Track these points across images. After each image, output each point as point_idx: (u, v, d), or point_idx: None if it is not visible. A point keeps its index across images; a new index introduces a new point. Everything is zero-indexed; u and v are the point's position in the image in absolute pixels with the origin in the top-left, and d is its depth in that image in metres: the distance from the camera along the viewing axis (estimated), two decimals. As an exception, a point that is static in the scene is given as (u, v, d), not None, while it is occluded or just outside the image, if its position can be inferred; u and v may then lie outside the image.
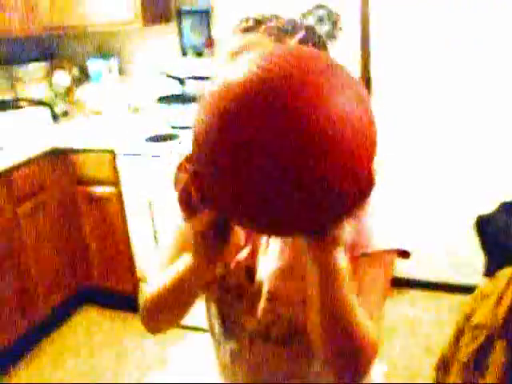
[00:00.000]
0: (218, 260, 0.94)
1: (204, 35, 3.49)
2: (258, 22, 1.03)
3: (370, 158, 0.76)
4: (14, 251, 3.10)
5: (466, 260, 3.36)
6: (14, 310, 3.11)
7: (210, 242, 0.89)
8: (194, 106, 3.20)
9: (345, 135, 0.71)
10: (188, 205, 0.86)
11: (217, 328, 1.22)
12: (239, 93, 0.72)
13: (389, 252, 1.02)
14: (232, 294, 1.15)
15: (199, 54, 3.51)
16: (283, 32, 1.01)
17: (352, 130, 0.72)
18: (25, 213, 3.15)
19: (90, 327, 3.48)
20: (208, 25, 3.48)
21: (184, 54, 3.57)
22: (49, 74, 3.80)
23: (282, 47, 0.83)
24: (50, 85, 3.79)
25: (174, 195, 0.90)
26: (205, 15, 3.47)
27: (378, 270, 1.02)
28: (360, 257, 1.01)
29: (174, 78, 3.31)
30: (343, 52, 3.20)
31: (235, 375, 1.23)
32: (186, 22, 3.53)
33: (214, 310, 1.21)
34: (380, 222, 1.03)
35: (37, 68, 3.76)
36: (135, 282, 3.39)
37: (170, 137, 3.15)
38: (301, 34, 1.02)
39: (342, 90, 0.73)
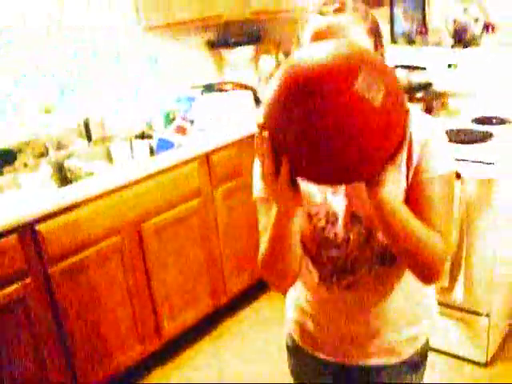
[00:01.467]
0: (293, 204, 1.11)
1: (417, 22, 3.25)
2: (342, 6, 1.21)
3: (398, 126, 0.99)
4: (208, 232, 3.16)
5: None
6: (203, 288, 3.18)
7: (286, 186, 1.05)
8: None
9: (378, 115, 0.95)
10: (271, 160, 1.04)
11: (310, 270, 1.42)
12: (308, 74, 0.95)
13: (448, 174, 1.25)
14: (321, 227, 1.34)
15: (410, 42, 3.28)
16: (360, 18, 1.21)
17: (384, 112, 0.95)
18: (221, 195, 3.20)
19: (272, 315, 3.46)
20: (423, 11, 3.23)
21: (394, 41, 3.36)
22: (255, 58, 3.81)
23: (344, 43, 1.02)
24: (256, 69, 3.80)
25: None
26: (420, 0, 3.22)
27: (442, 189, 1.24)
28: (425, 180, 1.23)
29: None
30: None
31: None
32: (399, 7, 3.31)
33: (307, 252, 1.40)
34: (437, 150, 1.24)
35: (244, 52, 3.79)
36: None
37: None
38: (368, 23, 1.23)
39: (377, 83, 0.95)
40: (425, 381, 1.57)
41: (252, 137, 3.24)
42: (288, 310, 1.61)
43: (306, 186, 1.25)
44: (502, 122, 2.90)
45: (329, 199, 1.32)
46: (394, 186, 1.07)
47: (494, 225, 2.62)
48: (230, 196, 3.24)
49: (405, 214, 1.14)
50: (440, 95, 3.17)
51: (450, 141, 2.70)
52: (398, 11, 3.31)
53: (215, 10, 3.47)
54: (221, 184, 3.19)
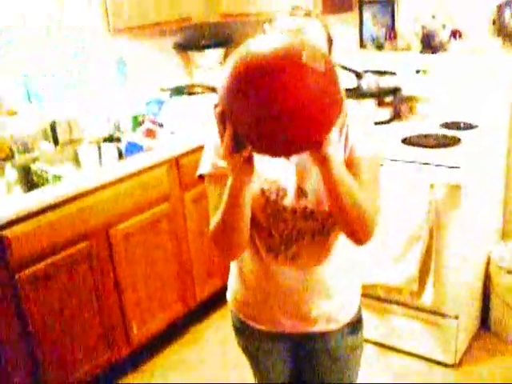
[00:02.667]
0: (246, 174, 1.24)
1: (386, 27, 3.28)
2: (308, 12, 1.48)
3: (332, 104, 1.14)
4: (177, 236, 3.13)
5: None
6: (173, 293, 3.15)
7: (236, 156, 1.19)
8: (370, 102, 3.02)
9: (313, 94, 1.09)
10: (221, 129, 1.18)
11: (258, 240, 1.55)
12: (256, 62, 1.09)
13: (371, 156, 1.46)
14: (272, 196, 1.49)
15: (379, 47, 3.30)
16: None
17: (318, 94, 1.10)
18: (190, 199, 3.18)
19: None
20: (392, 16, 3.25)
21: (363, 46, 3.38)
22: (224, 61, 3.79)
23: (288, 38, 1.17)
24: (225, 72, 3.78)
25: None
26: (389, 5, 3.25)
27: (368, 168, 1.44)
28: (353, 158, 1.43)
29: (350, 70, 3.14)
30: None
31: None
32: (368, 12, 3.33)
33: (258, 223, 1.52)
34: (366, 135, 1.47)
35: (213, 55, 3.78)
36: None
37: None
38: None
39: (314, 71, 1.10)
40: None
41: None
42: (231, 284, 1.73)
43: (260, 165, 1.36)
44: (469, 126, 2.94)
45: (280, 176, 1.47)
46: (334, 147, 1.23)
47: (461, 228, 2.65)
48: (199, 200, 3.21)
49: (345, 172, 1.31)
50: (408, 100, 3.21)
51: (419, 145, 2.74)
52: (367, 16, 3.33)
53: (184, 12, 3.44)
54: (190, 188, 3.16)
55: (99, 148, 3.09)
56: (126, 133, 3.28)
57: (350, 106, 1.43)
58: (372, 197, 1.44)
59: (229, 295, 1.75)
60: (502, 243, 3.14)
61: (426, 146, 2.72)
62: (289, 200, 1.48)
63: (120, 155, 3.05)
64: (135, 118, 3.37)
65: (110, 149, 3.06)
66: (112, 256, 2.79)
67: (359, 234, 1.42)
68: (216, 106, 1.18)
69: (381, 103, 3.04)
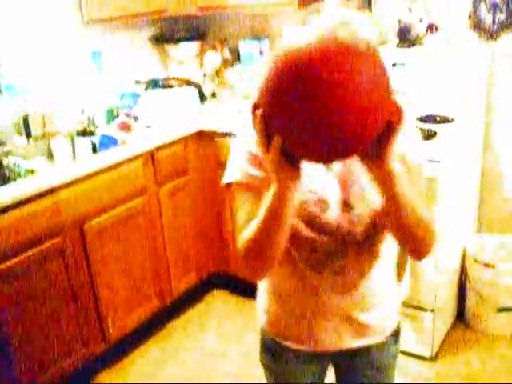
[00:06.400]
0: (292, 179, 1.12)
1: (363, 20, 3.27)
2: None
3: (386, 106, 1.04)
4: (153, 231, 3.10)
5: None
6: (149, 288, 3.12)
7: (283, 163, 1.08)
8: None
9: (367, 95, 1.00)
10: (264, 136, 1.08)
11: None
12: (305, 55, 0.99)
13: (418, 165, 1.36)
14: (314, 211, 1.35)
15: (356, 40, 3.29)
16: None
17: (372, 94, 1.00)
18: (166, 193, 3.14)
19: (218, 312, 3.43)
20: (369, 10, 3.25)
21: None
22: (200, 54, 3.76)
23: (334, 36, 1.02)
24: (201, 65, 3.75)
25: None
26: (365, 0, 3.24)
27: (418, 180, 1.34)
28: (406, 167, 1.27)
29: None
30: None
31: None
32: (345, 7, 3.31)
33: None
34: (412, 144, 1.36)
35: (188, 48, 3.73)
36: (269, 274, 3.27)
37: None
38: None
39: (367, 69, 1.01)
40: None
41: (197, 134, 3.22)
42: (261, 302, 1.59)
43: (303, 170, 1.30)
44: (445, 120, 2.94)
45: (322, 187, 1.34)
46: (396, 158, 1.11)
47: (437, 222, 2.65)
48: (175, 194, 3.18)
49: (408, 188, 1.17)
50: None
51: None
52: (344, 9, 3.32)
53: (160, 4, 3.40)
54: (166, 182, 3.13)
55: (73, 142, 3.04)
56: (100, 126, 3.22)
57: None
58: (427, 207, 1.32)
59: (260, 314, 1.60)
60: (478, 237, 3.16)
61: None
62: (332, 213, 1.35)
63: (94, 149, 3.00)
64: (110, 111, 3.32)
65: (83, 142, 3.00)
66: (86, 251, 2.75)
67: (422, 248, 1.32)
68: (256, 106, 1.06)
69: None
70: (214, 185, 3.31)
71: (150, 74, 3.72)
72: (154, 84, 3.58)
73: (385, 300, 1.52)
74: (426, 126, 2.88)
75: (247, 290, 3.48)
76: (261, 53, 3.58)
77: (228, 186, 1.38)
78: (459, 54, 2.97)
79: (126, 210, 2.91)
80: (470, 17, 3.01)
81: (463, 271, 3.09)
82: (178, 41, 3.74)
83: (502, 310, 2.99)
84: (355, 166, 1.28)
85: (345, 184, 1.34)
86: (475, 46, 2.99)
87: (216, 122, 3.25)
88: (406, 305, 2.82)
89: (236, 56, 3.74)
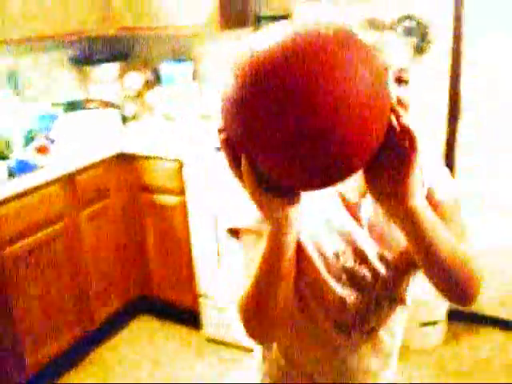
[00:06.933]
0: (284, 210, 0.93)
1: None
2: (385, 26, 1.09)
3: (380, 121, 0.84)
4: (73, 256, 3.02)
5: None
6: (70, 315, 3.02)
7: (266, 192, 0.90)
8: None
9: (359, 104, 0.79)
10: (232, 163, 0.89)
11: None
12: (269, 59, 0.79)
13: (454, 199, 1.18)
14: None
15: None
16: None
17: (364, 101, 0.79)
18: (87, 217, 3.07)
19: (144, 339, 3.36)
20: (287, 32, 3.30)
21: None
22: (121, 75, 3.71)
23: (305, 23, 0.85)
24: (122, 86, 3.71)
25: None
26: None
27: (454, 216, 1.16)
28: (438, 201, 1.14)
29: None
30: (431, 67, 2.97)
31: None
32: (264, 27, 3.35)
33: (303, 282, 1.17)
34: (443, 176, 1.22)
35: (109, 69, 3.68)
36: (195, 297, 3.25)
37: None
38: None
39: (356, 63, 0.80)
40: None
41: (118, 156, 3.16)
42: (259, 363, 1.38)
43: (331, 222, 1.13)
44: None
45: (355, 235, 1.16)
46: (419, 191, 0.94)
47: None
48: (96, 218, 3.11)
49: (437, 221, 1.00)
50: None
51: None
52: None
53: (78, 25, 3.33)
54: (86, 206, 3.05)
55: (-13, 166, 2.92)
56: (16, 150, 3.12)
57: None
58: (469, 244, 1.16)
59: (259, 378, 1.39)
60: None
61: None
62: (368, 265, 1.17)
63: (10, 173, 2.89)
64: (27, 134, 3.22)
65: (-2, 167, 2.90)
66: (3, 280, 2.64)
67: (468, 292, 1.11)
68: (220, 130, 0.88)
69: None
70: (137, 207, 3.27)
71: (69, 96, 3.64)
72: (73, 106, 3.50)
73: (394, 356, 1.36)
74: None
75: (173, 314, 3.44)
76: (183, 75, 3.57)
77: (233, 231, 1.17)
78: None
79: (45, 235, 2.82)
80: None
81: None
82: (98, 62, 3.69)
83: (423, 324, 3.08)
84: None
85: (377, 230, 1.17)
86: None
87: (137, 144, 3.21)
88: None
89: (158, 78, 3.72)
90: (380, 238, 1.17)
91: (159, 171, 3.14)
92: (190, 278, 3.24)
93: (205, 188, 2.98)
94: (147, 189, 3.22)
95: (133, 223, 3.34)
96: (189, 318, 3.37)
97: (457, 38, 2.98)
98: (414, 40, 3.03)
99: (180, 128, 3.44)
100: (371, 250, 1.16)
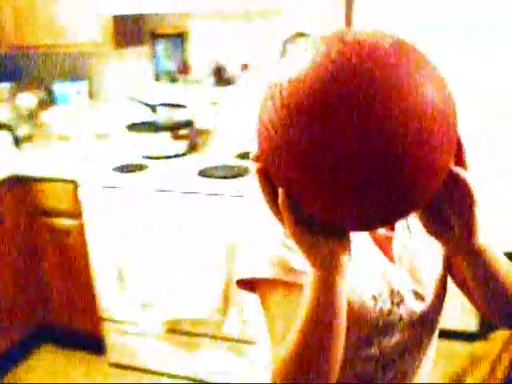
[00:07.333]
0: (335, 257, 0.80)
1: (179, 61, 3.31)
2: None
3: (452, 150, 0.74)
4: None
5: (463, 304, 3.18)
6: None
7: (311, 231, 0.78)
8: (165, 135, 3.01)
9: (431, 130, 0.69)
10: (271, 193, 0.78)
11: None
12: (314, 87, 0.69)
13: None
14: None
15: (173, 80, 3.32)
16: None
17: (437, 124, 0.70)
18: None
19: (48, 369, 3.22)
20: (183, 50, 3.29)
21: (157, 79, 3.38)
22: (13, 95, 3.57)
23: (352, 34, 0.74)
24: (14, 107, 3.57)
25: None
26: (179, 40, 3.28)
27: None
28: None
29: (145, 104, 3.11)
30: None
31: None
32: (160, 46, 3.34)
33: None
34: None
35: (0, 89, 3.54)
36: (97, 321, 3.15)
37: (140, 167, 2.94)
38: None
39: (424, 81, 0.70)
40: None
41: (12, 179, 3.04)
42: None
43: (364, 259, 1.03)
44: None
45: (390, 274, 1.05)
46: (482, 228, 0.86)
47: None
48: (-12, 245, 2.97)
49: (498, 252, 0.93)
50: (203, 132, 3.25)
51: (215, 177, 2.77)
52: (160, 50, 3.34)
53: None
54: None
55: None
56: None
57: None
58: None
59: None
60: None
61: (220, 177, 2.76)
62: (406, 307, 1.07)
63: None
64: None
65: None
66: None
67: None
68: (256, 159, 0.78)
69: (176, 136, 3.04)
70: (33, 232, 3.14)
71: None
72: (-39, 128, 3.34)
73: None
74: (245, 163, 2.96)
75: (75, 341, 3.32)
76: (78, 94, 3.48)
77: (242, 283, 1.03)
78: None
79: None
80: (282, 56, 3.15)
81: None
82: (-12, 82, 3.54)
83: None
84: (412, 240, 1.07)
85: (412, 264, 1.08)
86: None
87: (32, 166, 3.09)
88: (234, 340, 2.84)
89: (52, 97, 3.61)
90: (410, 273, 1.08)
91: (55, 193, 3.03)
92: (92, 302, 3.14)
93: (103, 209, 2.90)
94: (44, 212, 3.11)
95: (30, 248, 3.20)
96: (92, 343, 3.26)
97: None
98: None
99: (76, 148, 3.35)
100: (407, 288, 1.07)
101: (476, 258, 0.88)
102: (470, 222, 0.83)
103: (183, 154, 3.10)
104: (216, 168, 2.89)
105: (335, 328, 0.84)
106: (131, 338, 3.05)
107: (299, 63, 0.73)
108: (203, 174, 2.83)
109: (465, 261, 0.90)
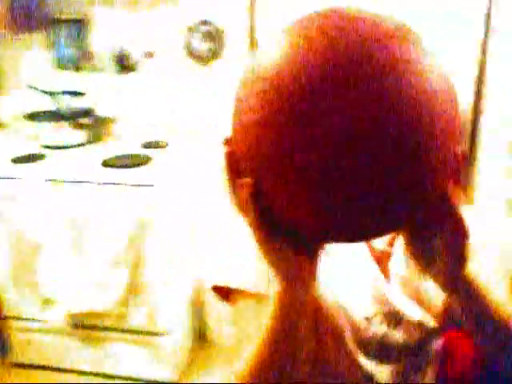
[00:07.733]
0: (304, 264, 0.73)
1: (82, 48, 3.20)
2: None
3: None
4: None
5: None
6: None
7: (276, 237, 0.69)
8: (64, 124, 2.91)
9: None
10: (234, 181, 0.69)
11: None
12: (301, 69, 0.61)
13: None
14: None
15: (75, 68, 3.21)
16: None
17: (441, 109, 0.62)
18: None
19: None
20: (85, 37, 3.19)
21: (59, 66, 3.26)
22: None
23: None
24: None
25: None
26: (81, 26, 3.18)
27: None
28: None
29: (45, 92, 3.00)
30: (227, 71, 3.03)
31: None
32: (62, 33, 3.22)
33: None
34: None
35: None
36: (-1, 319, 3.03)
37: (39, 157, 2.83)
38: None
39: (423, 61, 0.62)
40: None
41: None
42: None
43: (359, 277, 0.94)
44: (160, 146, 2.98)
45: (388, 293, 0.96)
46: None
47: (166, 250, 2.67)
48: None
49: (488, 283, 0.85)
50: (105, 121, 3.17)
51: (119, 167, 2.69)
52: (60, 37, 3.21)
53: None
54: None
55: None
56: None
57: None
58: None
59: None
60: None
61: (122, 167, 2.70)
62: (403, 330, 0.96)
63: None
64: None
65: None
66: None
67: None
68: (226, 142, 0.70)
69: (76, 125, 2.95)
70: None
71: None
72: None
73: None
74: (148, 151, 2.90)
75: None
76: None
77: (220, 289, 0.95)
78: (175, 79, 3.06)
79: None
80: (185, 44, 3.09)
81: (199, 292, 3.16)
82: None
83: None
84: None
85: (409, 291, 0.99)
86: (190, 72, 3.09)
87: None
88: (142, 332, 2.80)
89: None
90: (414, 297, 0.99)
91: None
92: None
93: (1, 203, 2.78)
94: None
95: None
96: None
97: (252, 41, 3.06)
98: (212, 45, 3.08)
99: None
100: (405, 309, 0.97)
101: (465, 289, 0.80)
102: (461, 254, 0.77)
103: (85, 144, 3.01)
104: (120, 157, 2.83)
105: (295, 336, 0.76)
106: (35, 335, 2.95)
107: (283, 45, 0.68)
108: (106, 163, 2.76)
109: (454, 294, 0.82)
